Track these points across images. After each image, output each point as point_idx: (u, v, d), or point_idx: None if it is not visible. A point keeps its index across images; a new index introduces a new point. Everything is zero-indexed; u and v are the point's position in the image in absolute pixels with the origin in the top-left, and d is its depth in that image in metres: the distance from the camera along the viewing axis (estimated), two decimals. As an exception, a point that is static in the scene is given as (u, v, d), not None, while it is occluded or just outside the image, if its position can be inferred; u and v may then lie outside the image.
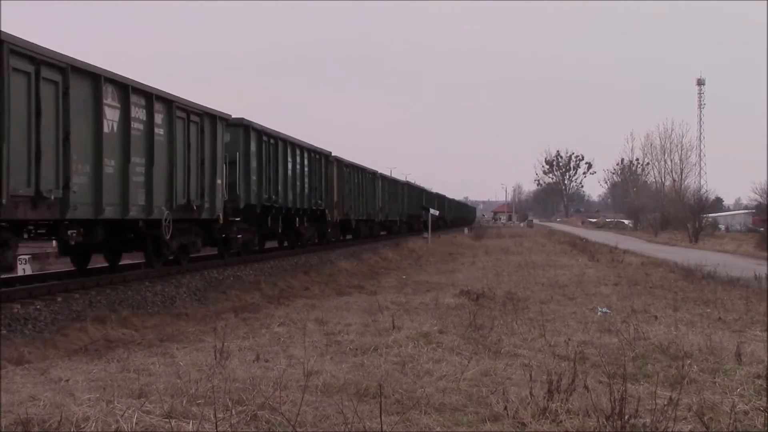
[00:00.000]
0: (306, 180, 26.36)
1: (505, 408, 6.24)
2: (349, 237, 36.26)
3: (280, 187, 23.34)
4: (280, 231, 25.28)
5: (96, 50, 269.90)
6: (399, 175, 72.91)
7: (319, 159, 28.40)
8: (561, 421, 5.94)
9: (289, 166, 24.54)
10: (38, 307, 11.36)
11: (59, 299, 12.06)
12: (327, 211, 29.08)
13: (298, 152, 25.52)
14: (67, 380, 7.20)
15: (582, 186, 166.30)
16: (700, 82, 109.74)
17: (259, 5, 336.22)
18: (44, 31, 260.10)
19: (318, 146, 28.22)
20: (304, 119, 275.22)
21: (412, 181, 63.10)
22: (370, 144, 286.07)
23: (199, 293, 15.30)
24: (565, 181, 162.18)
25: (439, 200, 73.98)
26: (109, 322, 11.29)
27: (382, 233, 44.27)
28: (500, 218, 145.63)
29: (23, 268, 15.99)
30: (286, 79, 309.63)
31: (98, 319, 11.36)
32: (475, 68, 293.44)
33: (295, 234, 26.36)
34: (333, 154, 30.23)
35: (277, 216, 24.19)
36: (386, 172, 52.65)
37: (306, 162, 26.43)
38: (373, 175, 38.64)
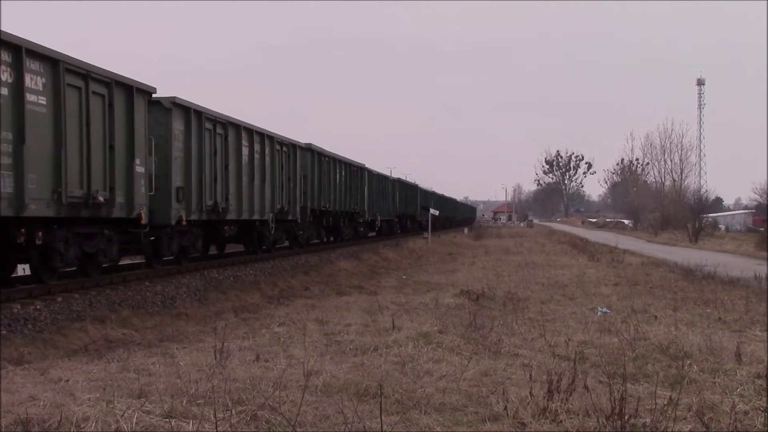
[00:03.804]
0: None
1: (505, 408, 6.24)
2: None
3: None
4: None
5: (94, 50, 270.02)
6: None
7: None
8: (561, 421, 5.94)
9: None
10: (38, 307, 11.35)
11: (59, 299, 12.05)
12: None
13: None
14: (67, 380, 7.20)
15: (582, 186, 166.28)
16: (700, 82, 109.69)
17: (258, 6, 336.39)
18: (42, 29, 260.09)
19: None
20: (304, 120, 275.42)
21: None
22: (370, 144, 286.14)
23: (199, 293, 15.30)
24: (565, 181, 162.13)
25: (407, 192, 51.06)
26: (109, 322, 11.29)
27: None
28: (500, 218, 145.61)
29: (23, 268, 15.93)
30: (285, 80, 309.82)
31: (98, 319, 11.37)
32: (475, 68, 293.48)
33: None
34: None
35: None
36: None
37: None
38: (231, 127, 19.28)
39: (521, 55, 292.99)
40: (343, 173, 31.42)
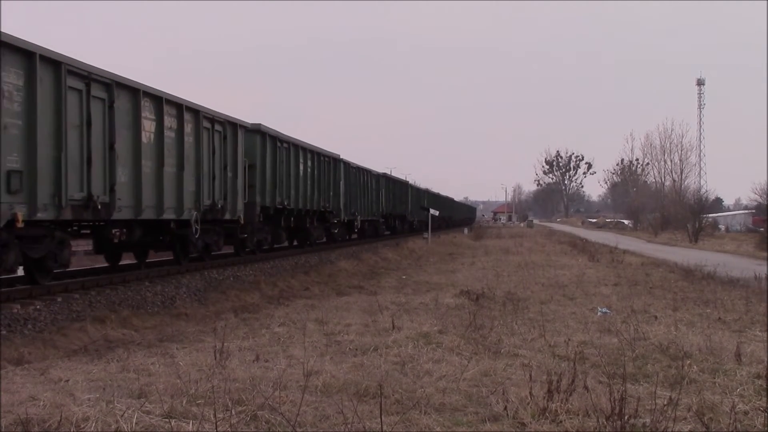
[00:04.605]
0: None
1: (505, 408, 6.24)
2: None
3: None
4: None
5: (92, 49, 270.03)
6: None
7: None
8: (561, 421, 5.94)
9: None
10: (38, 307, 11.36)
11: (59, 299, 12.05)
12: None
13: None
14: (67, 380, 7.20)
15: (582, 186, 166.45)
16: (700, 82, 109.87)
17: (258, 5, 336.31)
18: (42, 29, 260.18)
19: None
20: (303, 119, 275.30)
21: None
22: (370, 144, 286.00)
23: (199, 293, 15.30)
24: (565, 182, 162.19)
25: (395, 189, 45.25)
26: (109, 322, 11.29)
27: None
28: (500, 218, 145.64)
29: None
30: (284, 80, 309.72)
31: (98, 319, 11.37)
32: (475, 68, 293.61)
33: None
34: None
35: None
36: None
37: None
38: (122, 90, 13.83)
39: (521, 55, 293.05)
40: (310, 164, 26.15)
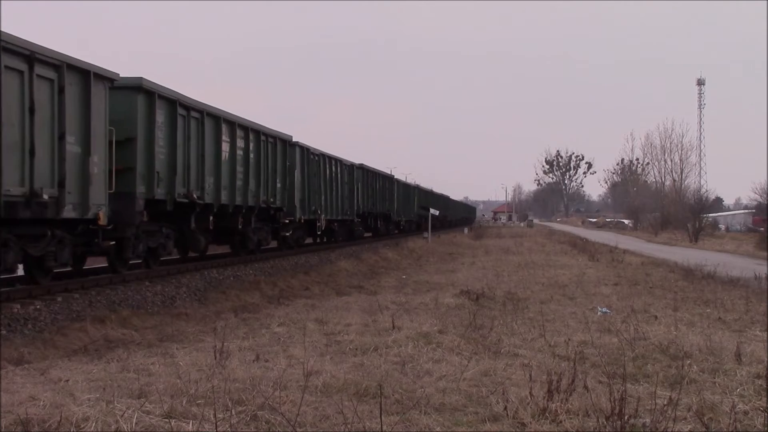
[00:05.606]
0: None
1: (505, 408, 6.24)
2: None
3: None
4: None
5: (90, 49, 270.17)
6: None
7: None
8: (561, 421, 5.94)
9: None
10: (38, 307, 11.36)
11: (59, 299, 12.05)
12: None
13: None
14: (67, 380, 7.21)
15: (582, 186, 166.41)
16: (700, 82, 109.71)
17: (258, 5, 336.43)
18: (42, 29, 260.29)
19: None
20: (303, 119, 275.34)
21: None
22: (370, 144, 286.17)
23: (199, 293, 15.30)
24: (565, 181, 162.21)
25: (377, 184, 38.56)
26: (109, 322, 11.29)
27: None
28: (500, 218, 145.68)
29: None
30: (284, 80, 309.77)
31: (98, 319, 11.37)
32: (475, 69, 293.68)
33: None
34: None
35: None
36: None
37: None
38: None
39: (521, 55, 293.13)
40: (242, 144, 19.23)
